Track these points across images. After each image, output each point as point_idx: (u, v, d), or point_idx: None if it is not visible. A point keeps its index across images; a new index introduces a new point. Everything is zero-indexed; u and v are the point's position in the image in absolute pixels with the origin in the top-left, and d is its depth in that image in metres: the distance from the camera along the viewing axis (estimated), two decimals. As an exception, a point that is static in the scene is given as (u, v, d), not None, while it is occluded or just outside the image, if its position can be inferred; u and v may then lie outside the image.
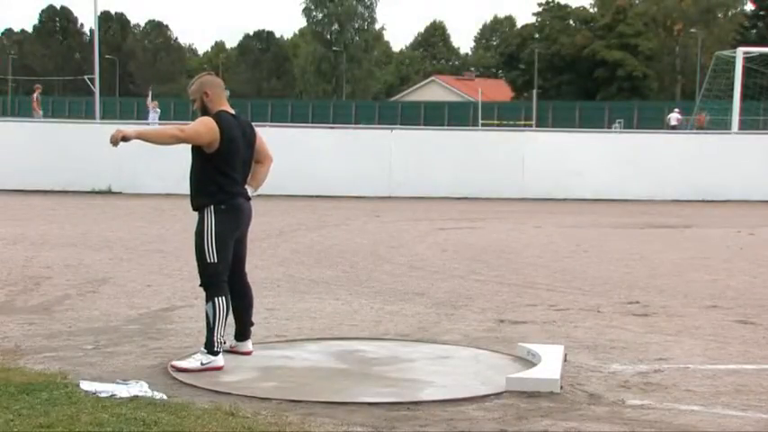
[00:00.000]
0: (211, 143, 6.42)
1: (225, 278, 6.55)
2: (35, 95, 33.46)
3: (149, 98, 42.11)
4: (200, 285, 6.58)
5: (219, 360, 6.48)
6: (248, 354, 6.88)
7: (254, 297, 6.98)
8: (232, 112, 6.64)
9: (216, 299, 6.46)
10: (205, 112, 6.55)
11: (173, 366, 6.42)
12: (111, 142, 6.37)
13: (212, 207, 6.49)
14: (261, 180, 6.88)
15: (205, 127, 6.44)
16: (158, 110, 37.95)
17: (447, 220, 17.33)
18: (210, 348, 6.45)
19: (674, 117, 46.42)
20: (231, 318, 6.83)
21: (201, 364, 6.39)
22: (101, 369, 6.40)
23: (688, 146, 23.70)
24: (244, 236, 6.79)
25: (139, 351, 6.98)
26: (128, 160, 21.45)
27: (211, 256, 6.47)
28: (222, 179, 6.50)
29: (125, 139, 6.36)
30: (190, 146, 6.53)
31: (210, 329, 6.46)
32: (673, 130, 40.85)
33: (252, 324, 6.95)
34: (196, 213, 6.61)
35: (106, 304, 8.79)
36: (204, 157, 6.47)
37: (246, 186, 6.72)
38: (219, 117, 6.49)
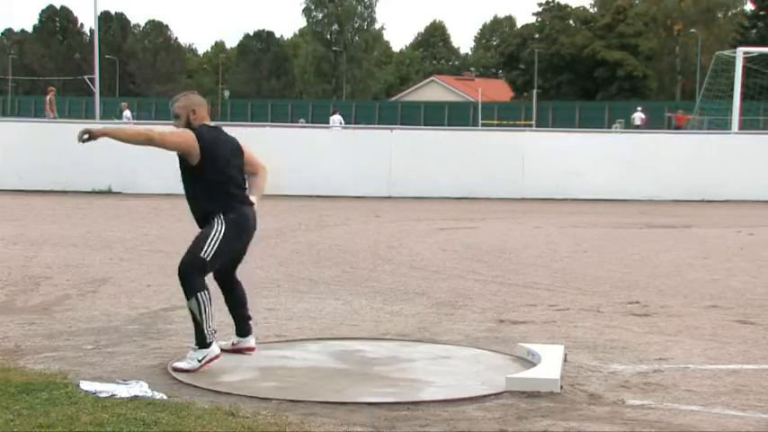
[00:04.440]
0: (190, 155, 6.46)
1: (204, 276, 6.53)
2: (49, 97, 33.43)
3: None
4: (179, 274, 6.46)
5: (215, 349, 6.46)
6: (252, 350, 6.90)
7: (246, 292, 6.96)
8: (211, 125, 6.72)
9: (198, 294, 6.41)
10: (188, 128, 6.59)
11: (174, 368, 6.41)
12: (78, 140, 6.41)
13: (221, 215, 6.53)
14: (261, 189, 6.95)
15: (183, 137, 6.50)
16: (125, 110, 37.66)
17: (447, 220, 17.33)
18: (203, 342, 6.43)
19: (638, 117, 47.01)
20: (225, 317, 6.84)
21: (199, 361, 6.39)
22: (101, 369, 6.40)
23: (688, 146, 23.70)
24: (248, 240, 6.82)
25: (139, 351, 6.98)
26: (128, 160, 21.46)
27: (206, 253, 6.45)
28: (225, 187, 6.56)
29: (91, 137, 6.40)
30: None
31: (199, 324, 6.43)
32: (637, 129, 41.49)
33: (250, 318, 6.96)
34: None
35: (106, 304, 8.80)
36: (194, 172, 6.51)
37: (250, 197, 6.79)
38: (199, 129, 6.56)
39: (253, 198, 6.79)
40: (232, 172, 6.62)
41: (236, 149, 6.75)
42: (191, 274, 6.44)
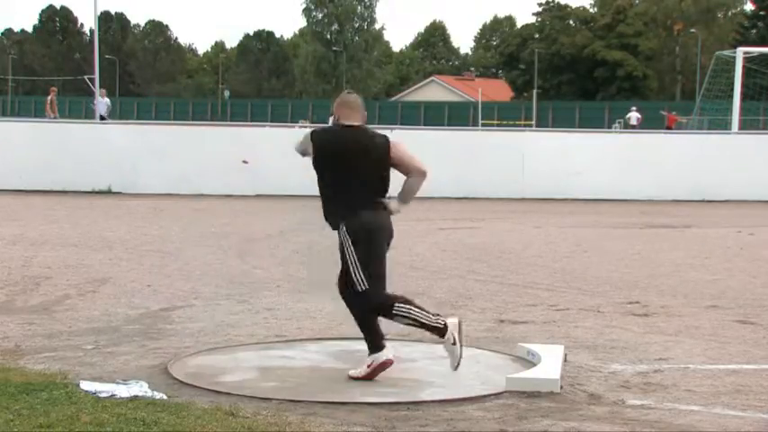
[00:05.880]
0: None
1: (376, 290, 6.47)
2: (50, 98, 33.25)
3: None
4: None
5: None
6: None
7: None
8: (346, 123, 6.57)
9: (392, 310, 6.43)
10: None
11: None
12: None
13: None
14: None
15: None
16: (103, 99, 36.69)
17: (447, 220, 17.33)
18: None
19: (634, 116, 47.19)
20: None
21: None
22: (101, 369, 6.40)
23: (688, 146, 23.68)
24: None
25: (139, 351, 6.98)
26: (128, 160, 21.46)
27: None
28: None
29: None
30: (309, 161, 6.56)
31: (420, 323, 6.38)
32: (632, 129, 41.64)
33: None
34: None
35: (106, 304, 8.79)
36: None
37: None
38: None
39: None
40: None
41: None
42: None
